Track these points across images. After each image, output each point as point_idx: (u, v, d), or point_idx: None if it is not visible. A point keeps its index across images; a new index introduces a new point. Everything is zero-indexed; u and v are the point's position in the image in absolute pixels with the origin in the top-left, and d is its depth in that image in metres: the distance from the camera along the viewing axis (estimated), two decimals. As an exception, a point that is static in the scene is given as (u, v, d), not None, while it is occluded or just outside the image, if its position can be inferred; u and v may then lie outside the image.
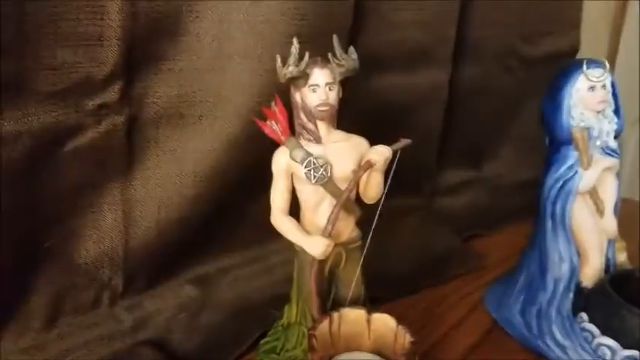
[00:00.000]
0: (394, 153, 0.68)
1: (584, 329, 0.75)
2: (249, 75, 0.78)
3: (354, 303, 0.70)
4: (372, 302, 0.75)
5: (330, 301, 0.71)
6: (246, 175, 0.82)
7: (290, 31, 0.77)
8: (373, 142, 0.70)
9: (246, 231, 0.89)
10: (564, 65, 0.78)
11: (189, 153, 0.78)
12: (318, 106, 0.65)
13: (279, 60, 0.64)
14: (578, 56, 1.31)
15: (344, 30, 0.85)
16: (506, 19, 1.15)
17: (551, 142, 0.79)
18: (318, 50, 0.66)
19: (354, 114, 0.90)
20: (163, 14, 0.72)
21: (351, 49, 0.66)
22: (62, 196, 0.72)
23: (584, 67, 0.75)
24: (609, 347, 0.72)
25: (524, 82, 1.24)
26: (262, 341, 0.75)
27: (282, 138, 0.67)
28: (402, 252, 1.00)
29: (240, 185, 0.83)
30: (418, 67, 1.00)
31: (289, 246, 0.70)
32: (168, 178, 0.78)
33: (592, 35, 1.40)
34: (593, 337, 0.73)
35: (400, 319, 0.66)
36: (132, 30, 0.69)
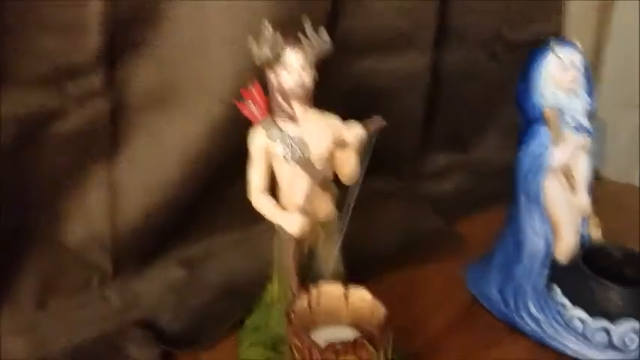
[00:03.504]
0: (369, 133, 0.70)
1: (557, 302, 0.77)
2: (229, 59, 0.79)
3: (333, 278, 0.72)
4: (354, 280, 0.76)
5: (309, 279, 0.73)
6: (230, 157, 0.83)
7: (269, 15, 0.78)
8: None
9: (232, 213, 0.90)
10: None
11: (174, 137, 0.80)
12: (292, 86, 0.67)
13: (252, 42, 0.66)
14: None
15: (323, 14, 0.87)
16: (491, 4, 1.16)
17: (524, 121, 0.81)
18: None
19: (334, 98, 0.91)
20: (143, 1, 0.74)
21: (322, 30, 0.68)
22: (49, 179, 0.74)
23: (555, 46, 0.77)
24: (581, 319, 0.74)
25: (509, 67, 1.24)
26: (247, 320, 0.78)
27: (260, 118, 0.69)
28: (385, 232, 1.01)
29: (226, 168, 0.84)
30: (398, 52, 1.01)
31: (271, 225, 0.72)
32: (153, 161, 0.79)
33: (578, 23, 1.40)
34: (566, 309, 0.76)
35: (380, 295, 0.68)
36: (113, 16, 0.71)
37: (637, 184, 1.29)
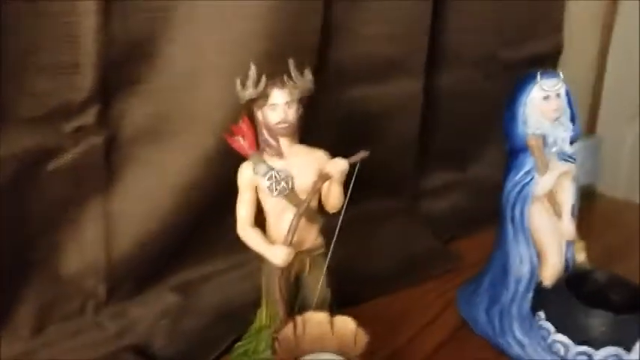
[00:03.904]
0: (352, 165, 0.72)
1: (541, 327, 0.78)
2: (221, 93, 0.81)
3: (320, 307, 0.74)
4: (347, 304, 0.79)
5: (297, 305, 0.76)
6: (223, 186, 0.85)
7: (260, 49, 0.81)
8: (343, 153, 0.73)
9: (226, 239, 0.91)
10: (520, 77, 0.82)
11: (167, 167, 0.82)
12: (277, 123, 0.69)
13: (238, 83, 0.69)
14: (563, 57, 1.32)
15: (313, 46, 0.89)
16: (484, 24, 1.16)
17: (510, 150, 0.83)
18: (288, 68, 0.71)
19: (326, 125, 0.95)
20: (137, 38, 0.76)
21: (307, 71, 0.71)
22: (46, 212, 0.77)
23: (538, 77, 0.79)
24: (563, 344, 0.75)
25: (505, 85, 1.25)
26: (236, 345, 0.80)
27: (249, 152, 0.72)
28: (381, 253, 1.03)
29: (218, 196, 0.86)
30: (389, 78, 1.03)
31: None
32: (148, 191, 0.82)
33: (581, 33, 1.41)
34: (549, 334, 0.77)
35: (371, 317, 0.70)
36: (107, 57, 0.73)
37: (637, 200, 1.30)
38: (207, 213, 0.88)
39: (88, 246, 0.80)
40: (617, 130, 1.41)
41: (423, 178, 1.23)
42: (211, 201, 0.87)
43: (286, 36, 0.84)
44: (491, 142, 1.32)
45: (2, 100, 0.69)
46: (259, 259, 0.75)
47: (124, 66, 0.77)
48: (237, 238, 0.90)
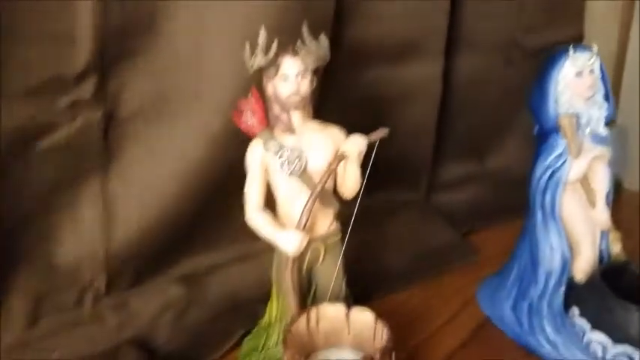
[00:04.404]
0: (371, 144, 0.66)
1: (575, 324, 0.72)
2: (228, 70, 0.77)
3: (335, 299, 0.68)
4: (364, 298, 0.73)
5: (310, 298, 0.70)
6: (230, 170, 0.80)
7: (269, 25, 0.75)
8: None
9: (233, 227, 0.86)
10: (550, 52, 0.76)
11: (170, 149, 0.77)
12: (289, 95, 0.64)
13: (247, 49, 0.63)
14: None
15: (327, 23, 0.84)
16: (505, 9, 1.12)
17: (539, 131, 0.77)
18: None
19: (342, 108, 0.89)
20: (137, 11, 0.72)
21: (322, 37, 0.65)
22: (39, 195, 0.72)
23: (570, 51, 0.73)
24: (600, 343, 0.69)
25: (526, 73, 1.20)
26: (245, 339, 0.75)
27: (257, 130, 0.66)
28: (398, 246, 0.98)
29: (225, 181, 0.81)
30: (407, 60, 0.98)
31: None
32: (148, 174, 0.77)
33: (600, 27, 1.36)
34: (584, 332, 0.71)
35: (389, 313, 0.65)
36: (104, 27, 0.69)
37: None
38: (212, 199, 0.83)
39: (85, 231, 0.76)
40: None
41: (439, 169, 1.18)
42: (217, 186, 0.82)
43: (298, 11, 0.78)
44: (511, 133, 1.27)
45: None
46: (270, 247, 0.69)
47: (122, 38, 0.72)
48: (245, 227, 0.85)
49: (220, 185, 0.81)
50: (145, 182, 0.77)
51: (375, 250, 0.95)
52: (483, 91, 1.16)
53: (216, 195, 0.82)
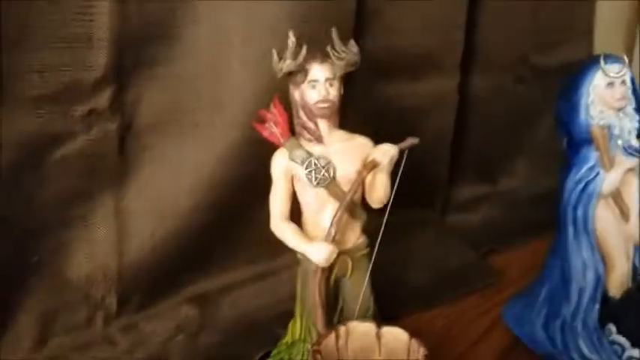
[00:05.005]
0: (401, 152, 0.64)
1: (613, 342, 0.70)
2: (248, 81, 0.75)
3: (363, 316, 0.65)
4: (385, 318, 0.70)
5: (337, 315, 0.66)
6: (248, 185, 0.78)
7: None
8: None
9: (250, 246, 0.84)
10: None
11: (186, 162, 0.75)
12: (317, 102, 0.61)
13: (275, 54, 0.61)
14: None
15: (347, 33, 0.81)
16: (517, 27, 1.12)
17: (569, 143, 0.75)
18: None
19: (359, 122, 0.87)
20: (156, 18, 0.70)
21: (352, 42, 0.63)
22: (51, 208, 0.70)
23: (602, 62, 0.71)
24: (641, 360, 0.66)
25: (537, 92, 1.20)
26: (264, 361, 0.71)
27: (282, 140, 0.63)
28: (417, 266, 0.96)
29: (242, 196, 0.79)
30: (424, 74, 0.97)
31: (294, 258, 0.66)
32: (164, 188, 0.75)
33: (606, 40, 1.36)
34: (624, 349, 0.68)
35: (415, 335, 0.62)
36: (123, 32, 0.67)
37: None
38: (229, 216, 0.80)
39: (97, 248, 0.73)
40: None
41: (454, 190, 1.15)
42: (235, 202, 0.80)
43: (318, 22, 0.77)
44: (522, 153, 1.26)
45: (2, 74, 0.62)
46: (294, 264, 0.66)
47: (141, 45, 0.70)
48: (261, 246, 0.83)
49: (238, 200, 0.79)
50: (160, 196, 0.75)
51: (392, 270, 0.92)
52: (495, 108, 1.14)
53: (233, 210, 0.80)
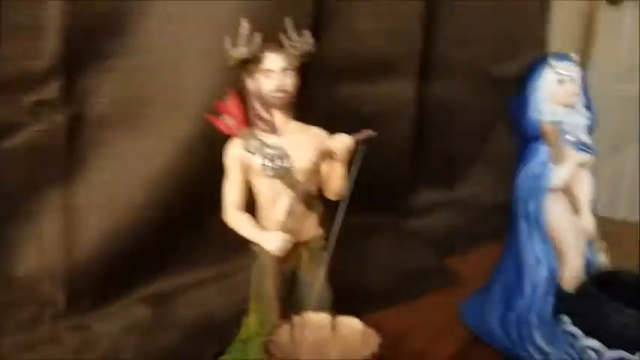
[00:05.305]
0: (357, 144, 0.63)
1: (567, 332, 0.70)
2: (204, 74, 0.74)
3: (319, 306, 0.64)
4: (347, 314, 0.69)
5: (292, 308, 0.65)
6: (204, 181, 0.76)
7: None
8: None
9: (205, 243, 0.83)
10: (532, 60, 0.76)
11: (140, 156, 0.74)
12: (273, 91, 0.61)
13: (228, 42, 0.60)
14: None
15: (305, 28, 0.81)
16: (476, 37, 1.13)
17: (521, 140, 0.76)
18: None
19: (318, 123, 0.87)
20: (109, 9, 0.69)
21: (307, 32, 0.63)
22: (-1, 200, 0.66)
23: (552, 60, 0.73)
24: (594, 349, 0.66)
25: (495, 102, 1.21)
26: (220, 358, 0.69)
27: (237, 131, 0.63)
28: (377, 268, 0.95)
29: (198, 192, 0.77)
30: (384, 78, 0.97)
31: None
32: (115, 182, 0.73)
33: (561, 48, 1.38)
34: (577, 339, 0.68)
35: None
36: (74, 23, 0.66)
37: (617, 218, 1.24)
38: (184, 212, 0.79)
39: (45, 243, 0.71)
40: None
41: (415, 195, 1.16)
42: (190, 198, 0.78)
43: (276, 14, 0.76)
44: (479, 161, 1.27)
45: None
46: (251, 261, 0.64)
47: (93, 37, 0.69)
48: (217, 246, 0.81)
49: (194, 197, 0.78)
50: (111, 191, 0.73)
51: (351, 273, 0.92)
52: (453, 117, 1.15)
53: (187, 207, 0.78)
